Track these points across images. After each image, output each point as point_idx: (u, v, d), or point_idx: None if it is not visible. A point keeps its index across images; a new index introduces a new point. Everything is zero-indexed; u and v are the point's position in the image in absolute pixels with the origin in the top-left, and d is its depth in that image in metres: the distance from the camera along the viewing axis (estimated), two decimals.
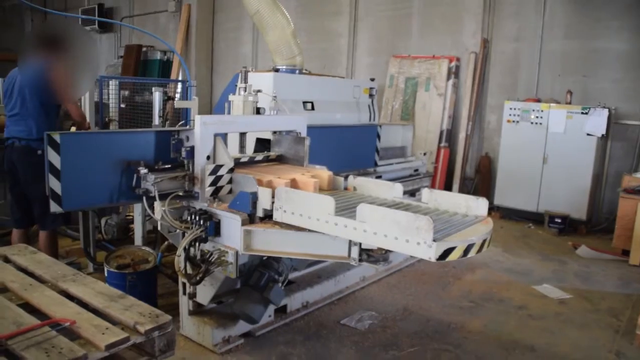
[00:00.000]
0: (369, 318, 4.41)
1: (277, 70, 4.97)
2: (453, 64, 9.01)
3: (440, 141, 8.96)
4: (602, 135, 7.33)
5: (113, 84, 7.47)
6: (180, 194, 3.47)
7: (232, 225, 3.35)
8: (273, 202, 3.25)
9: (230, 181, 3.54)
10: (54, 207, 3.07)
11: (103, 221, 5.61)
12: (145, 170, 3.27)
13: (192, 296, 3.77)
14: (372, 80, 6.05)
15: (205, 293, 3.76)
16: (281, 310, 4.23)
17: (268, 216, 3.34)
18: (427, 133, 8.95)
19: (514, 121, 7.92)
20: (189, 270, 3.56)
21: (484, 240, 2.93)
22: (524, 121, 7.84)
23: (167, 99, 6.05)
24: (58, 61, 4.25)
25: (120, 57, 13.63)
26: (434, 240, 2.64)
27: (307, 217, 3.08)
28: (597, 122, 7.30)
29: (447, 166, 8.96)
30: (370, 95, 5.83)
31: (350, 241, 3.07)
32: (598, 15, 7.74)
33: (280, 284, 3.69)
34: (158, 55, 12.70)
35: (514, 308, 4.84)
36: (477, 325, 4.42)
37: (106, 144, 3.29)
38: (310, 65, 7.33)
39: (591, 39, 7.83)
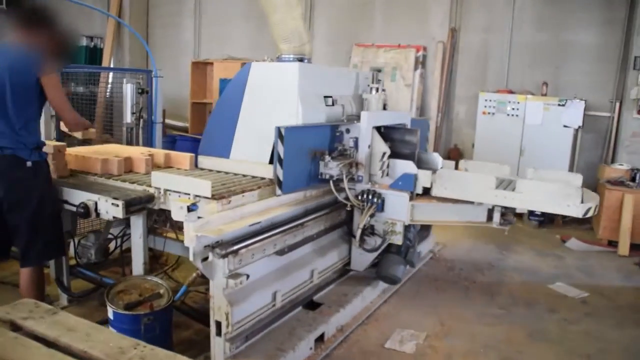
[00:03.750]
0: (411, 337, 3.98)
1: (300, 60, 4.28)
2: (420, 53, 8.72)
3: None
4: (579, 126, 7.35)
5: None
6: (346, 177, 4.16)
7: (398, 202, 4.21)
8: (432, 182, 4.20)
9: (388, 165, 4.41)
10: (279, 191, 3.67)
11: (75, 242, 4.55)
12: (329, 158, 4.03)
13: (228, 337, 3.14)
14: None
15: (362, 260, 4.44)
16: (319, 340, 3.70)
17: (424, 192, 4.28)
18: None
19: (489, 113, 7.77)
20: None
21: (596, 205, 3.96)
22: (499, 113, 7.71)
23: (142, 92, 5.25)
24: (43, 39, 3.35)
25: None
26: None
27: (469, 192, 4.08)
28: (574, 114, 7.31)
29: None
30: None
31: (491, 208, 4.14)
32: (569, 7, 7.75)
33: (415, 249, 4.61)
34: (84, 42, 11.33)
35: (546, 312, 4.61)
36: (522, 336, 4.13)
37: (306, 136, 3.98)
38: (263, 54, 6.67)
39: (562, 31, 7.83)
